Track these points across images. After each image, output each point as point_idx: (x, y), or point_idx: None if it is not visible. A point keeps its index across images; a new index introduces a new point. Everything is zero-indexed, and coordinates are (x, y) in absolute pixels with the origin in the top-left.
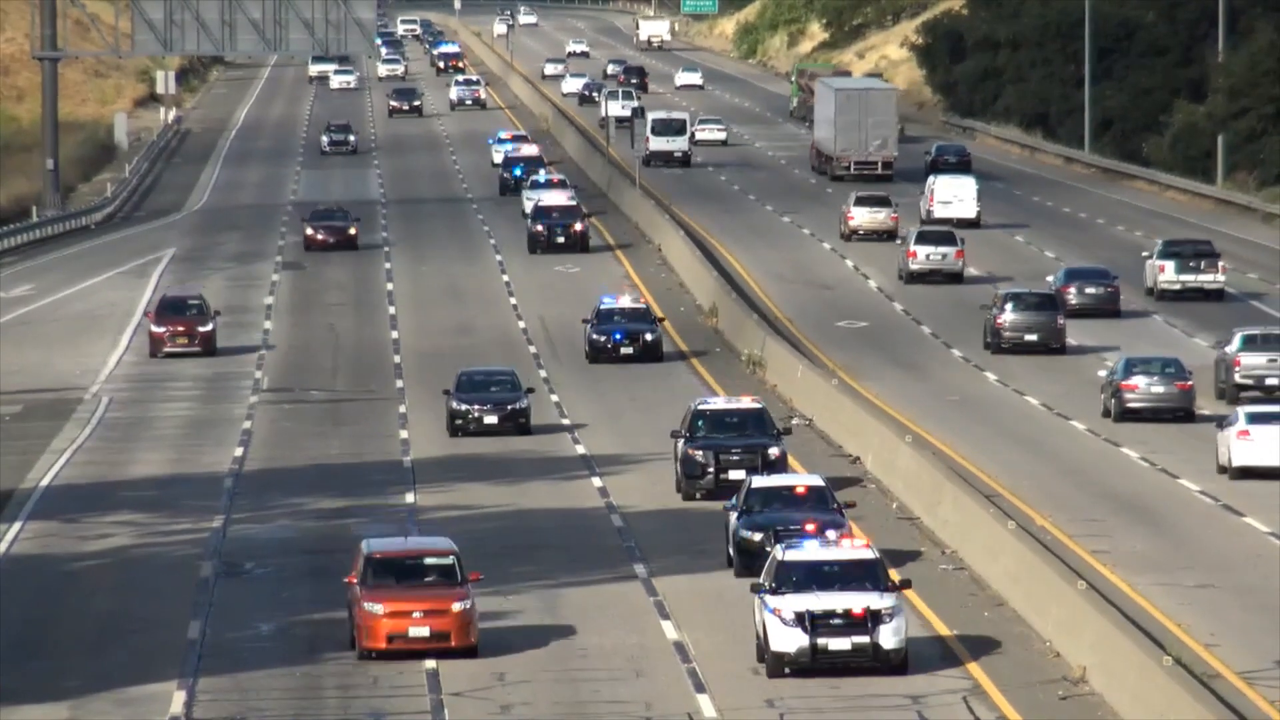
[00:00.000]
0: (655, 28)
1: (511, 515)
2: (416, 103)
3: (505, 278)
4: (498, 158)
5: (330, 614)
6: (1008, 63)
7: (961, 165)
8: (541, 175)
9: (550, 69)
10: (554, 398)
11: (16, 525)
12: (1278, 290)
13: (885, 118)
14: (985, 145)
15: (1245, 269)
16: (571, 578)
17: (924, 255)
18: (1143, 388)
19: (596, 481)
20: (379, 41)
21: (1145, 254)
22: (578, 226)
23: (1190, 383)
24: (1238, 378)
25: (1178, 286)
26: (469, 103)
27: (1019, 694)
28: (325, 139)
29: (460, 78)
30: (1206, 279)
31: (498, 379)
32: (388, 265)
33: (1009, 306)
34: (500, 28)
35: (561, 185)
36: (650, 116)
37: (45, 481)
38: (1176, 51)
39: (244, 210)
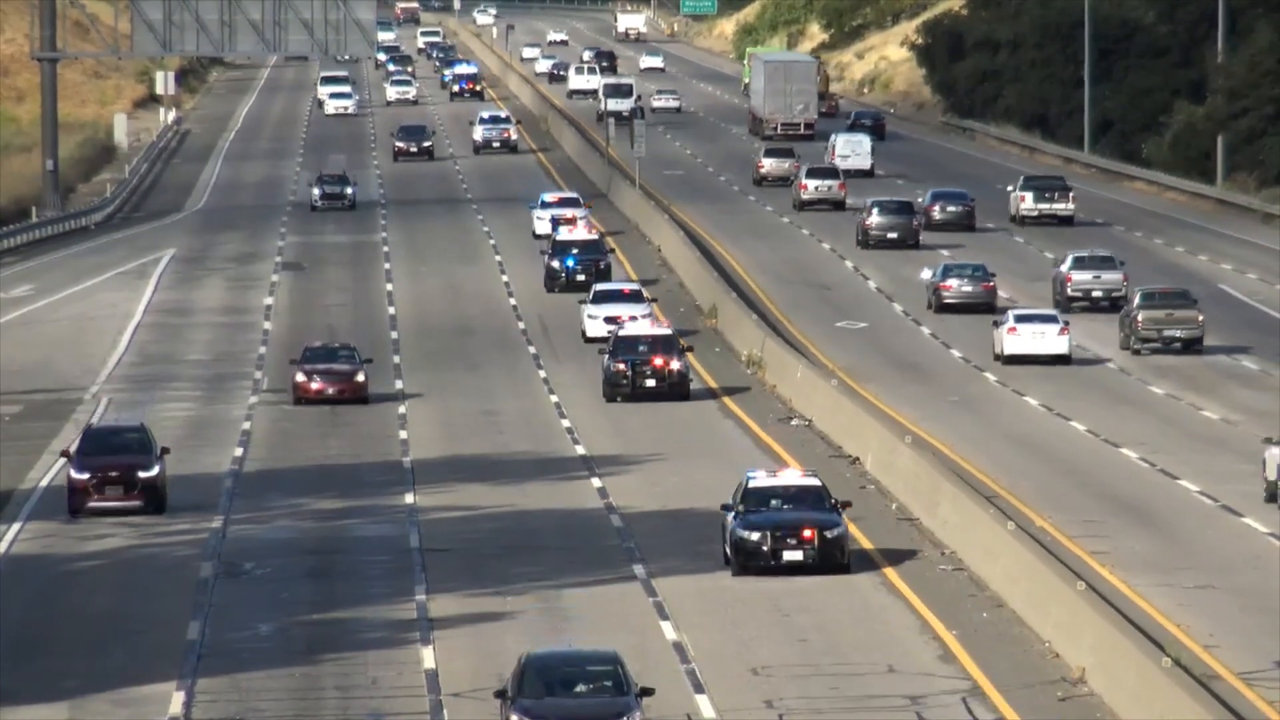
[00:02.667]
0: (632, 21)
1: (511, 516)
2: (427, 144)
3: (505, 277)
4: (540, 227)
5: (329, 614)
6: (1007, 63)
7: (876, 129)
8: (613, 283)
9: (528, 53)
10: (554, 398)
11: (16, 525)
12: (1278, 290)
13: (806, 85)
14: (985, 146)
15: (1245, 270)
16: (571, 578)
17: (813, 187)
18: (955, 287)
19: (596, 482)
20: (383, 56)
21: (1009, 188)
22: (674, 365)
23: (993, 284)
24: (1069, 291)
25: (1035, 213)
26: (497, 145)
27: (1018, 695)
28: (316, 191)
29: (485, 114)
30: (1059, 207)
31: (591, 668)
32: (387, 266)
33: (875, 211)
34: (482, 19)
35: (635, 298)
36: (603, 82)
37: (45, 482)
38: (1176, 52)
39: (244, 211)
